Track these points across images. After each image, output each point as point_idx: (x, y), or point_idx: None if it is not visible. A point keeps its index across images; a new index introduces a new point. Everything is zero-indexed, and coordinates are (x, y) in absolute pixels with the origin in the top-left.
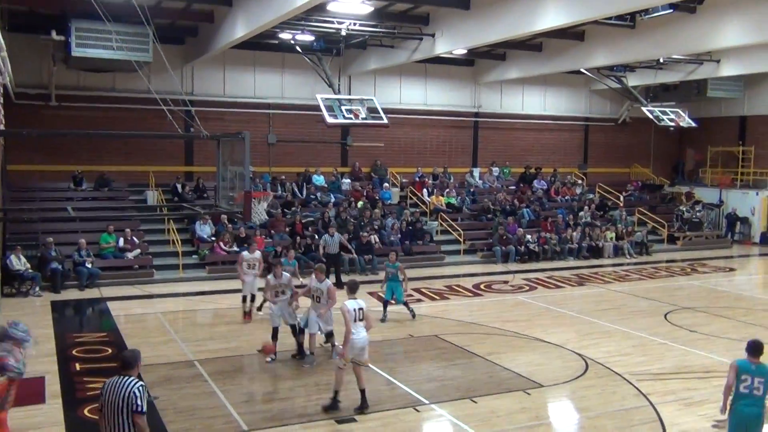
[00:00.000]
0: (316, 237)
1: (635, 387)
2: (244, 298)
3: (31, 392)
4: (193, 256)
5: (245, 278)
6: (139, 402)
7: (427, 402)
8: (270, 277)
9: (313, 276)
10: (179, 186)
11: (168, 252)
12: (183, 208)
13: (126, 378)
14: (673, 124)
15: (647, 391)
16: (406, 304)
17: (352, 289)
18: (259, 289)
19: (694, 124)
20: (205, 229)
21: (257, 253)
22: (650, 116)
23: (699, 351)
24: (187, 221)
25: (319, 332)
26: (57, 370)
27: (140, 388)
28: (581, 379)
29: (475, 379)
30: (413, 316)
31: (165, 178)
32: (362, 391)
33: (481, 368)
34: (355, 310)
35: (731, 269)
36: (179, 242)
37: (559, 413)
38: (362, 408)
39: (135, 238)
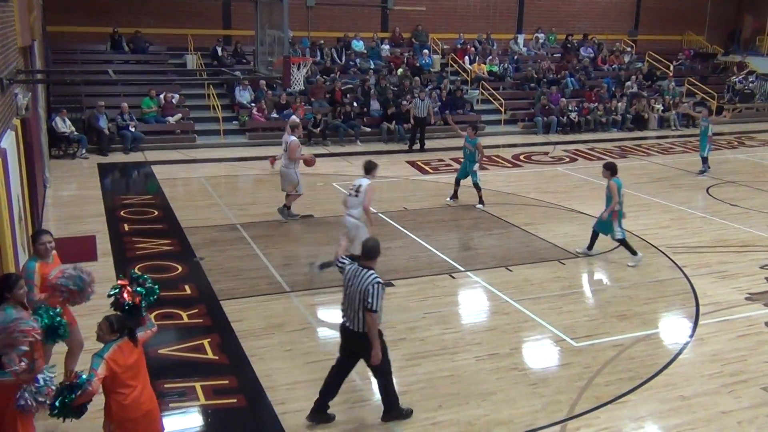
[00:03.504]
0: (355, 104)
1: (670, 259)
2: None
3: (83, 250)
4: (234, 122)
5: None
6: (370, 299)
7: (462, 269)
8: (295, 138)
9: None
10: (219, 50)
11: (208, 117)
12: (222, 72)
13: (365, 271)
14: None
15: (682, 263)
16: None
17: None
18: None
19: None
20: (244, 95)
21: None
22: None
23: (738, 225)
24: (226, 86)
25: None
26: (107, 229)
27: (375, 284)
28: (617, 251)
29: (510, 248)
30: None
31: (203, 41)
32: None
33: (517, 238)
34: None
35: None
36: (219, 108)
37: (593, 283)
38: None
39: (176, 95)
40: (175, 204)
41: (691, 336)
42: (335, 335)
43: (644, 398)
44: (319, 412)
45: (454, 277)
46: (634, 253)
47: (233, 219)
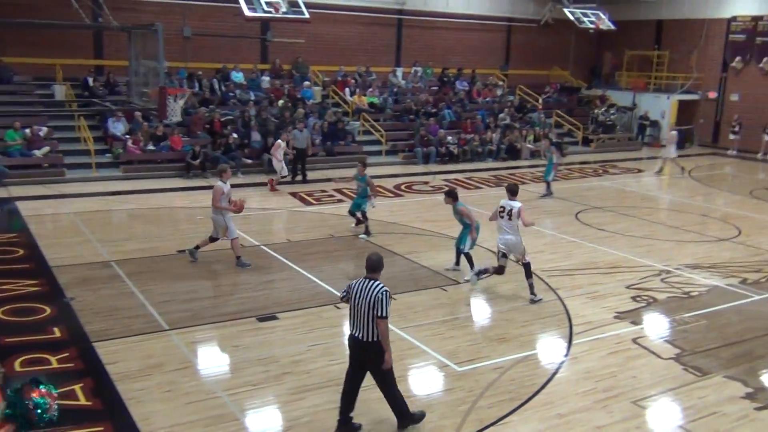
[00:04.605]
0: (235, 136)
1: (545, 282)
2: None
3: None
4: (107, 155)
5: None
6: (380, 307)
7: None
8: (221, 183)
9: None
10: (90, 80)
11: (79, 150)
12: (94, 104)
13: (372, 282)
14: (593, 26)
15: (556, 286)
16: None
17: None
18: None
19: (613, 27)
20: (118, 127)
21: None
22: (571, 17)
23: (605, 248)
24: (98, 118)
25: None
26: None
27: (384, 293)
28: (495, 276)
29: (394, 276)
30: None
31: (73, 71)
32: None
33: (400, 266)
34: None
35: (639, 170)
36: (91, 140)
37: (473, 308)
38: None
39: (43, 127)
40: (43, 242)
41: (566, 355)
42: (217, 372)
43: (525, 418)
44: (345, 426)
45: (339, 308)
46: (472, 265)
47: (107, 256)
